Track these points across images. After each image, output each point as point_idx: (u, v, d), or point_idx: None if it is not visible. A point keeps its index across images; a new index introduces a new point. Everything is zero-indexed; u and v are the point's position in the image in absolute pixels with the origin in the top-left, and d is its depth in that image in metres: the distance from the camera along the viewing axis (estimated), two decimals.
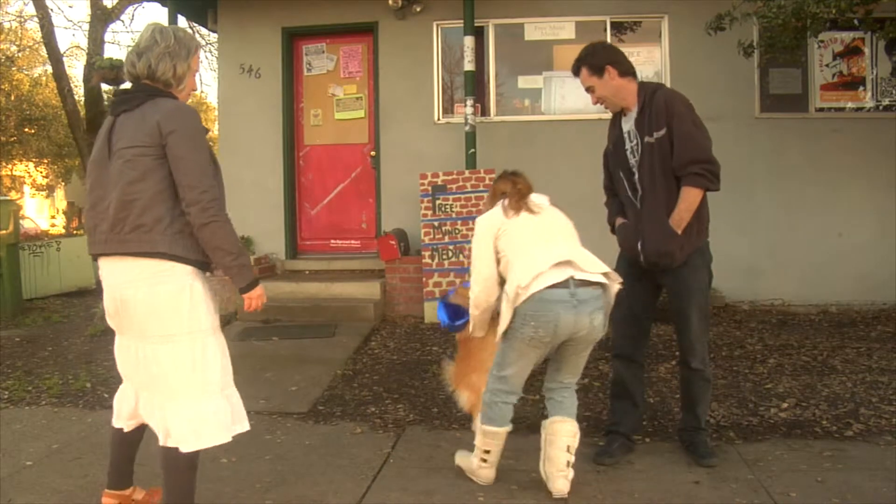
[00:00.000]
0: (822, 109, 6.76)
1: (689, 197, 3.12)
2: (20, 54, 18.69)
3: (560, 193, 6.69)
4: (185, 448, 2.50)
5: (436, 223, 6.38)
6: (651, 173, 3.18)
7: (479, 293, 3.06)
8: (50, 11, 14.92)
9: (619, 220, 3.37)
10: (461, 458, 3.23)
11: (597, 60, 3.26)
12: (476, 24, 6.71)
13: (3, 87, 17.97)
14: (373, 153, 7.20)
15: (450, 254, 6.27)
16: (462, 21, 6.62)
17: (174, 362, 2.45)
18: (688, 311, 3.24)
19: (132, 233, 2.38)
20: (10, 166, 21.66)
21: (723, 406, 3.98)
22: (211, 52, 16.30)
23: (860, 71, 6.74)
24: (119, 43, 48.47)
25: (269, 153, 7.27)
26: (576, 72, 3.33)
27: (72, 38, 52.62)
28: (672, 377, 4.47)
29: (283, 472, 3.32)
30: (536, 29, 7.00)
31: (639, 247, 3.22)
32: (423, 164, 6.71)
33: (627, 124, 3.29)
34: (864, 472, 3.12)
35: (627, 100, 3.27)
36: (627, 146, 3.28)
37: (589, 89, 3.31)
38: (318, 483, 3.19)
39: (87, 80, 14.70)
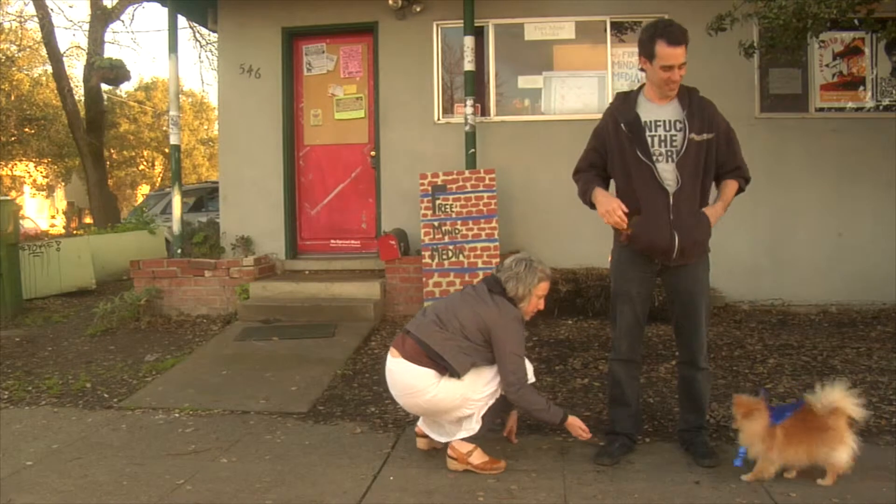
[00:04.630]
0: (822, 109, 6.75)
1: (733, 191, 3.31)
2: (20, 54, 18.71)
3: (559, 193, 6.79)
4: None
5: (436, 223, 6.38)
6: (695, 170, 3.18)
7: None
8: (50, 11, 14.95)
9: (633, 215, 3.18)
10: None
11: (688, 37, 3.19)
12: (476, 24, 6.70)
13: (3, 87, 17.97)
14: (373, 153, 7.20)
15: (450, 254, 6.26)
16: (462, 21, 6.62)
17: None
18: (699, 309, 3.29)
19: None
20: (10, 166, 21.66)
21: (723, 406, 3.97)
22: (211, 52, 16.34)
23: (860, 71, 6.74)
24: (119, 43, 48.63)
25: (269, 153, 7.27)
26: (684, 41, 3.14)
27: (72, 38, 52.70)
28: (672, 377, 4.47)
29: (283, 472, 3.32)
30: (536, 29, 6.99)
31: (675, 240, 3.16)
32: (423, 164, 6.71)
33: (662, 113, 3.21)
34: (864, 472, 3.11)
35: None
36: (653, 133, 3.19)
37: (681, 66, 3.15)
38: (318, 483, 3.19)
39: (87, 80, 14.72)
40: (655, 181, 3.16)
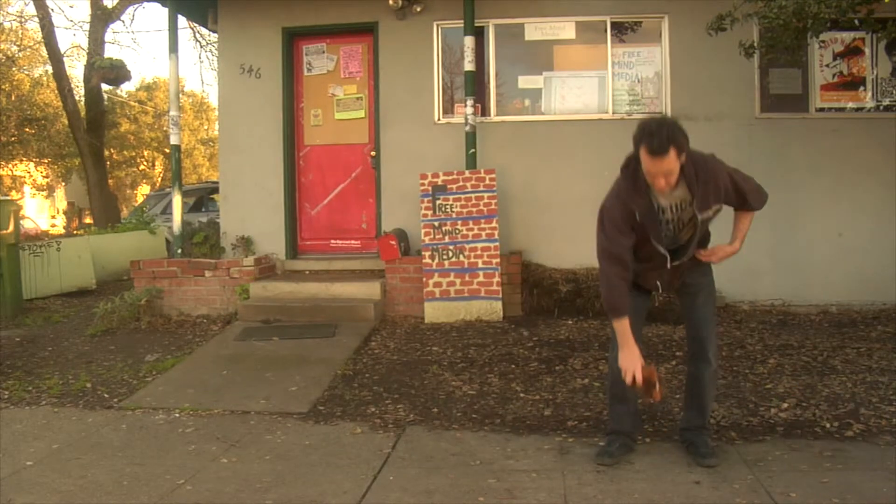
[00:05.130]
0: (822, 109, 6.74)
1: (747, 222, 3.34)
2: (20, 54, 18.70)
3: (560, 193, 6.80)
4: None
5: (436, 223, 6.38)
6: (698, 234, 3.14)
7: None
8: (50, 11, 14.95)
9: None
10: None
11: (681, 139, 2.91)
12: (476, 24, 6.70)
13: (3, 87, 17.98)
14: (373, 153, 7.20)
15: (450, 254, 6.26)
16: (462, 21, 6.62)
17: None
18: (709, 306, 3.34)
19: None
20: (10, 166, 21.66)
21: (723, 406, 3.98)
22: (211, 52, 16.33)
23: (860, 71, 6.73)
24: (119, 43, 48.64)
25: (269, 153, 7.27)
26: (666, 152, 2.85)
27: (72, 38, 52.69)
28: (672, 377, 4.47)
29: (283, 472, 3.32)
30: (536, 29, 6.99)
31: (670, 286, 3.32)
32: (423, 164, 6.71)
33: (666, 198, 3.06)
34: (864, 472, 3.12)
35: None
36: (663, 217, 3.10)
37: (668, 174, 2.91)
38: (318, 483, 3.19)
39: (87, 80, 14.73)
40: (659, 253, 3.13)
